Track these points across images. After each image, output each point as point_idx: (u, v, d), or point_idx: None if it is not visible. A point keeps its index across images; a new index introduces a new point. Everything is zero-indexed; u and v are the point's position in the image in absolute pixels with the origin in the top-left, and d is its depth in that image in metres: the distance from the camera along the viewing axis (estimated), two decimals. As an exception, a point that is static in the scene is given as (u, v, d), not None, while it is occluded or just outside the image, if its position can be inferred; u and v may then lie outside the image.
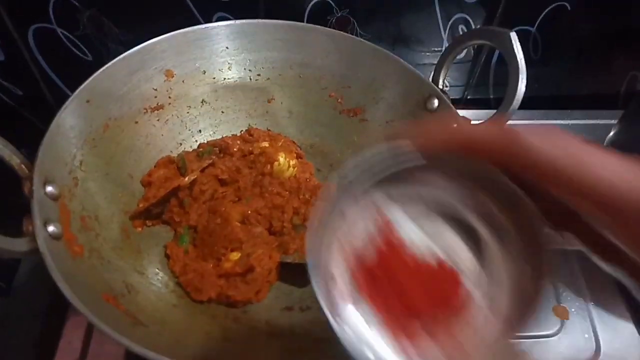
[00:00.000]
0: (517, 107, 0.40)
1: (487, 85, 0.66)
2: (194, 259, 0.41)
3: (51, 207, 0.34)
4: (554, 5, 0.56)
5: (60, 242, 0.33)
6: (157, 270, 0.40)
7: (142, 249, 0.41)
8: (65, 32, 0.51)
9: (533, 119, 0.65)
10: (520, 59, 0.39)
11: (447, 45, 0.59)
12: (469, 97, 0.67)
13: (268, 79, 0.51)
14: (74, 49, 0.53)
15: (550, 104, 0.66)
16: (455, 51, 0.46)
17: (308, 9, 0.53)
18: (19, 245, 0.30)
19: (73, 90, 0.57)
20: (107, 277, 0.35)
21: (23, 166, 0.34)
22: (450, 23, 0.56)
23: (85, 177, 0.39)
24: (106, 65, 0.42)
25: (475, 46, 0.60)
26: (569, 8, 0.57)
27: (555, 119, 0.66)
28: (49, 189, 0.34)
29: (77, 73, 0.54)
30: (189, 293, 0.39)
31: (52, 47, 0.53)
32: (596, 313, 0.48)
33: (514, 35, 0.39)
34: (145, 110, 0.46)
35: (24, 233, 0.31)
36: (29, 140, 0.59)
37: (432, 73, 0.47)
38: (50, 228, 0.32)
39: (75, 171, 0.38)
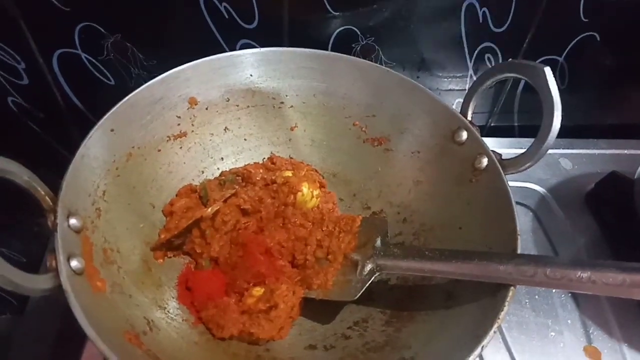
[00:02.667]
0: (551, 143, 0.39)
1: (512, 113, 0.65)
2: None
3: (74, 241, 0.33)
4: (583, 35, 0.55)
5: (82, 277, 0.32)
6: (178, 304, 0.39)
7: (162, 282, 0.40)
8: (89, 57, 0.52)
9: (559, 148, 0.64)
10: (555, 94, 0.38)
11: (472, 72, 0.58)
12: (492, 124, 0.66)
13: (291, 106, 0.51)
14: (97, 73, 0.53)
15: (576, 133, 0.64)
16: (485, 83, 0.45)
17: (333, 36, 0.53)
18: (42, 282, 0.29)
19: (95, 114, 0.57)
20: (129, 314, 0.34)
21: (47, 198, 0.33)
22: (476, 51, 0.56)
23: (108, 207, 0.38)
24: (130, 94, 0.41)
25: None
26: (598, 38, 0.56)
27: (582, 148, 0.64)
28: (72, 221, 0.34)
29: (99, 98, 0.55)
30: (211, 329, 0.38)
31: (76, 72, 0.53)
32: (630, 355, 0.45)
33: (548, 71, 0.38)
34: (168, 138, 0.45)
35: (47, 269, 0.31)
36: (50, 164, 0.60)
37: (461, 103, 0.46)
38: (74, 263, 0.31)
39: (98, 202, 0.37)
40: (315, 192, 0.46)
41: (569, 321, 0.48)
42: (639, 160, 0.55)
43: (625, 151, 0.64)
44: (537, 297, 0.50)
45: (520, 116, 0.65)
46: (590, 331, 0.47)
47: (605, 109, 0.66)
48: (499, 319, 0.32)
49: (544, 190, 0.59)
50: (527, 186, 0.59)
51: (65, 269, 0.30)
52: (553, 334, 0.47)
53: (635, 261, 0.31)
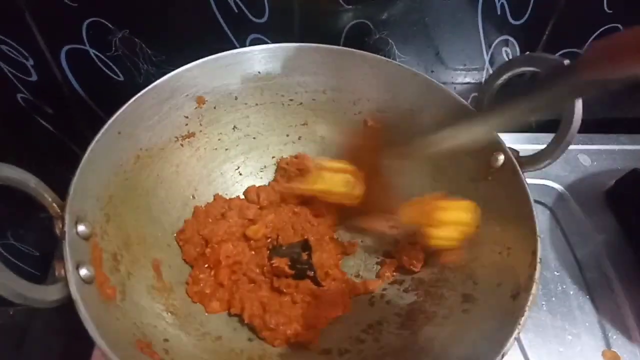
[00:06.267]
0: (572, 139, 0.37)
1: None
2: None
3: (83, 248, 0.33)
4: (606, 27, 0.53)
5: (92, 285, 0.31)
6: (189, 306, 0.39)
7: (174, 287, 0.40)
8: (97, 53, 0.51)
9: (578, 144, 0.62)
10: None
11: (488, 66, 0.56)
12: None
13: (301, 103, 0.50)
14: (105, 69, 0.52)
15: (596, 128, 0.62)
16: (502, 77, 0.43)
17: (345, 30, 0.51)
18: (50, 293, 0.29)
19: (103, 110, 0.57)
20: (140, 321, 0.33)
21: (55, 205, 0.33)
22: (493, 44, 0.54)
23: (117, 212, 0.37)
24: (136, 95, 0.40)
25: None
26: (621, 30, 0.53)
27: (601, 144, 0.62)
28: (81, 227, 0.33)
29: (108, 94, 0.54)
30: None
31: (84, 68, 0.52)
32: (651, 360, 0.44)
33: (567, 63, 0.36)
34: (176, 139, 0.45)
35: (56, 278, 0.30)
36: (59, 160, 0.59)
37: (477, 98, 0.44)
38: (83, 271, 0.31)
39: (106, 207, 0.36)
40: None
41: (586, 324, 0.47)
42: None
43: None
44: (553, 299, 0.48)
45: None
46: (609, 335, 0.46)
47: (627, 103, 0.63)
48: (519, 324, 0.31)
49: (561, 187, 0.57)
50: (545, 183, 0.57)
51: (74, 278, 0.30)
52: (570, 337, 0.46)
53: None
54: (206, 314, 0.40)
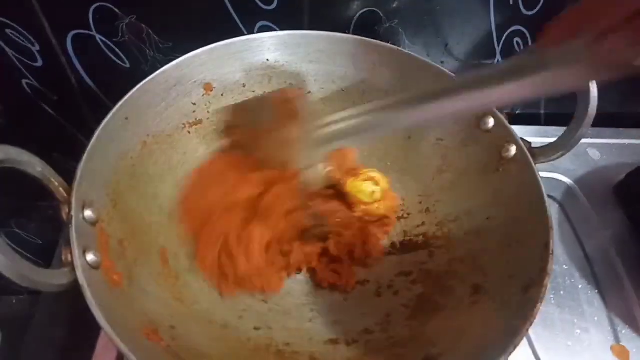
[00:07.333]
0: (586, 131, 0.37)
1: (538, 100, 0.62)
2: None
3: (90, 233, 0.32)
4: (620, 17, 0.52)
5: (98, 271, 0.31)
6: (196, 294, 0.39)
7: (180, 274, 0.39)
8: (104, 39, 0.50)
9: (587, 138, 0.60)
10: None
11: (499, 57, 0.55)
12: (518, 112, 0.63)
13: (309, 92, 0.49)
14: (112, 55, 0.52)
15: (605, 122, 0.61)
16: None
17: (355, 19, 0.50)
18: (57, 277, 0.29)
19: (109, 97, 0.56)
20: (147, 308, 0.33)
21: (61, 189, 0.32)
22: (505, 35, 0.53)
23: (124, 198, 0.37)
24: (144, 81, 0.40)
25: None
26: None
27: (611, 138, 0.62)
28: (88, 213, 0.33)
29: (114, 80, 0.54)
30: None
31: (90, 54, 0.51)
32: (660, 355, 0.44)
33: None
34: (183, 126, 0.44)
35: (62, 263, 0.30)
36: (64, 147, 0.59)
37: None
38: (90, 256, 0.31)
39: (113, 193, 0.36)
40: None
41: (595, 318, 0.46)
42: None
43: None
44: (562, 292, 0.48)
45: (546, 104, 0.62)
46: (619, 329, 0.45)
47: (637, 97, 0.62)
48: (532, 317, 0.31)
49: (570, 181, 0.57)
50: (553, 177, 0.57)
51: (81, 263, 0.29)
52: (579, 331, 0.45)
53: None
54: (221, 296, 0.39)
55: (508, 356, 0.29)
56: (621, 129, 0.62)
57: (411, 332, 0.37)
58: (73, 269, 0.29)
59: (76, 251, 0.30)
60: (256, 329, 0.39)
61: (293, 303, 0.42)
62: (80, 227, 0.31)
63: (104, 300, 0.29)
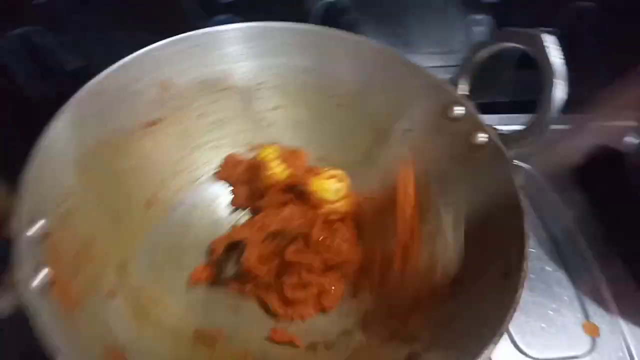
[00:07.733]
0: (555, 116, 0.37)
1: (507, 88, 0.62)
2: None
3: (39, 249, 0.29)
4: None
5: (50, 291, 0.28)
6: (161, 311, 0.36)
7: (143, 286, 0.36)
8: (50, 36, 0.46)
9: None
10: (556, 62, 0.36)
11: (463, 47, 0.55)
12: (485, 102, 0.63)
13: (273, 86, 0.47)
14: (58, 54, 0.48)
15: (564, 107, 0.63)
16: (477, 56, 0.42)
17: (315, 10, 0.49)
18: (1, 301, 0.26)
19: (57, 99, 0.52)
20: (108, 327, 0.30)
21: (5, 202, 0.29)
22: (467, 24, 0.53)
23: (77, 208, 0.34)
24: (93, 79, 0.37)
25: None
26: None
27: (567, 123, 0.63)
28: (37, 226, 0.29)
29: (60, 80, 0.49)
30: None
31: (36, 52, 0.47)
32: (628, 329, 0.45)
33: (548, 37, 0.36)
34: (138, 127, 0.41)
35: (7, 285, 0.27)
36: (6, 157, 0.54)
37: (454, 78, 0.43)
38: (40, 275, 0.28)
39: (64, 203, 0.33)
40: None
41: (565, 298, 0.47)
42: (627, 132, 0.54)
43: (615, 123, 0.63)
44: (532, 276, 0.49)
45: (516, 91, 0.63)
46: (587, 307, 0.46)
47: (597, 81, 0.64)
48: (515, 303, 0.31)
49: (529, 166, 0.58)
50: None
51: (30, 283, 0.26)
52: (551, 312, 0.46)
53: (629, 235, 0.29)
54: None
55: (495, 344, 0.29)
56: (577, 114, 0.64)
57: (392, 329, 0.36)
58: (20, 291, 0.26)
59: (24, 270, 0.26)
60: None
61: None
62: (28, 243, 0.28)
63: (58, 323, 0.26)
